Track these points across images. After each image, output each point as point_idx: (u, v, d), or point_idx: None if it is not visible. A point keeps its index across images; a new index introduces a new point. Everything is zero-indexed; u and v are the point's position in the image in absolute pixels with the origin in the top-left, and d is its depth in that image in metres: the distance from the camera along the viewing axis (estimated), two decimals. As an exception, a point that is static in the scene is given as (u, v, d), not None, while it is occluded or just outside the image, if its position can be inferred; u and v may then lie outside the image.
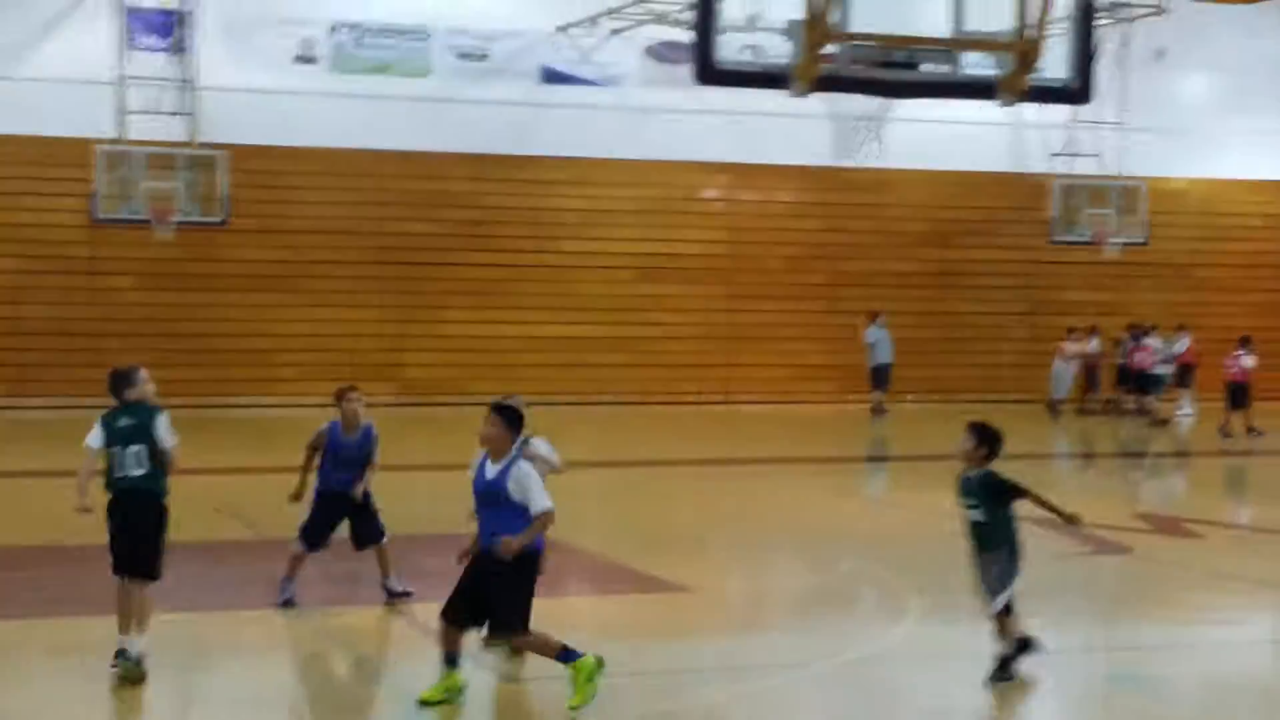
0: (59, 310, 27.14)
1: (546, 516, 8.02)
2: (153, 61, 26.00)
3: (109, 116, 25.86)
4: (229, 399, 27.53)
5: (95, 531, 9.01)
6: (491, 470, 8.09)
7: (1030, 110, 29.23)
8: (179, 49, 25.92)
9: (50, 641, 9.85)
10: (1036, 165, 30.95)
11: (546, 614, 9.56)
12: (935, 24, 8.57)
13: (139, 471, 8.79)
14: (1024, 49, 8.31)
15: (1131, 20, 28.76)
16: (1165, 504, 18.86)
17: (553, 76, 29.55)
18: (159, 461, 8.83)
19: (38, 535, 13.48)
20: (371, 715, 8.74)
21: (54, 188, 26.68)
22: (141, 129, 25.79)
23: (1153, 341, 28.49)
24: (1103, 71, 25.02)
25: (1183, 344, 28.62)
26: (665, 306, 29.98)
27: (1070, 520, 8.89)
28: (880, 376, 28.58)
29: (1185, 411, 28.54)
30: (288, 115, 27.77)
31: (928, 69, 8.66)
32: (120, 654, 8.63)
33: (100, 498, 8.84)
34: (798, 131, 29.19)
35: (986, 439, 8.75)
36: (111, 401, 9.08)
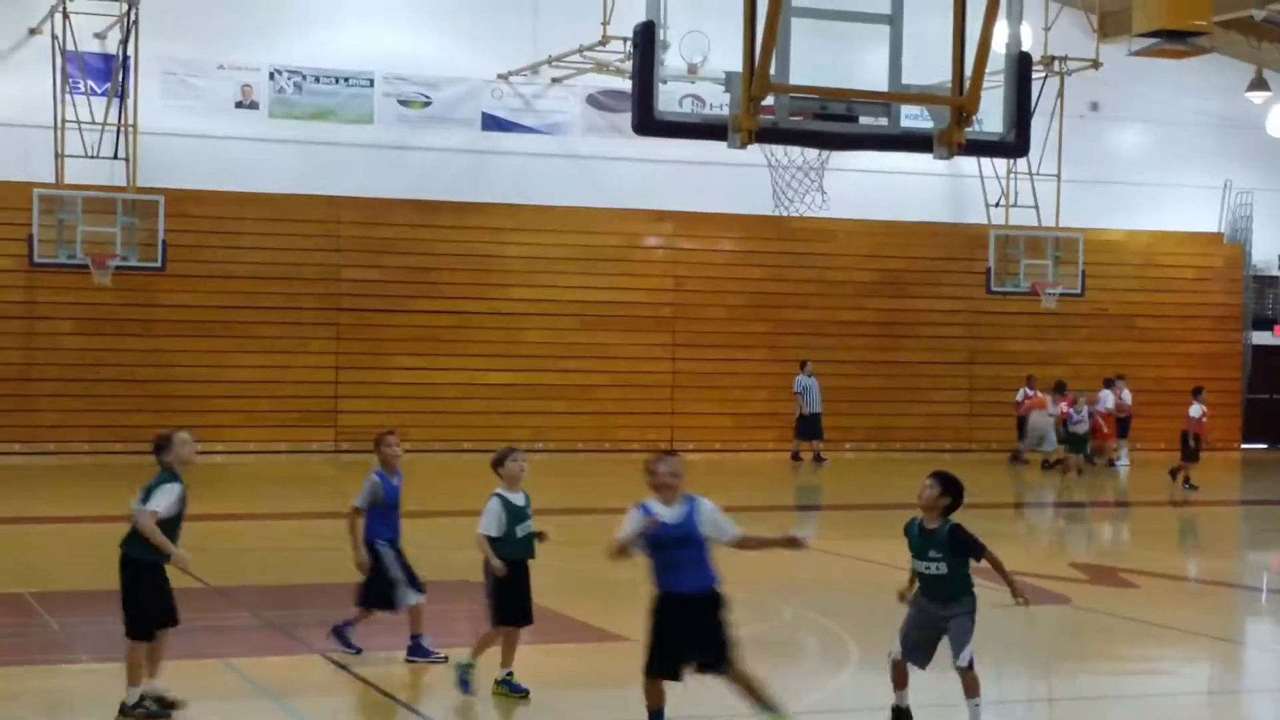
0: (-6, 355, 26.84)
1: (746, 536, 8.34)
2: (91, 105, 25.84)
3: (47, 160, 25.66)
4: (166, 445, 27.25)
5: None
6: (671, 514, 8.16)
7: (969, 162, 29.64)
8: (118, 93, 25.79)
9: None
10: (975, 216, 31.28)
11: (494, 664, 9.49)
12: (874, 77, 8.64)
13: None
14: (961, 103, 8.39)
15: (1067, 74, 29.18)
16: (1101, 554, 18.98)
17: (495, 124, 29.63)
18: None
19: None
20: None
21: (-10, 231, 26.46)
22: (80, 173, 25.61)
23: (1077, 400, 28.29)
24: (1039, 124, 25.47)
25: (1105, 401, 28.60)
26: (608, 354, 30.01)
27: (1017, 598, 8.70)
28: (809, 426, 28.71)
29: (1122, 462, 28.80)
30: (228, 160, 27.69)
31: (867, 122, 8.72)
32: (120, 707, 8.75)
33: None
34: (740, 180, 29.41)
35: (950, 489, 8.54)
36: None
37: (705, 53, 8.36)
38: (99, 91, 26.41)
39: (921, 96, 8.70)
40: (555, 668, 10.42)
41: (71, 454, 26.73)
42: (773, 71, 8.11)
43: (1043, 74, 27.73)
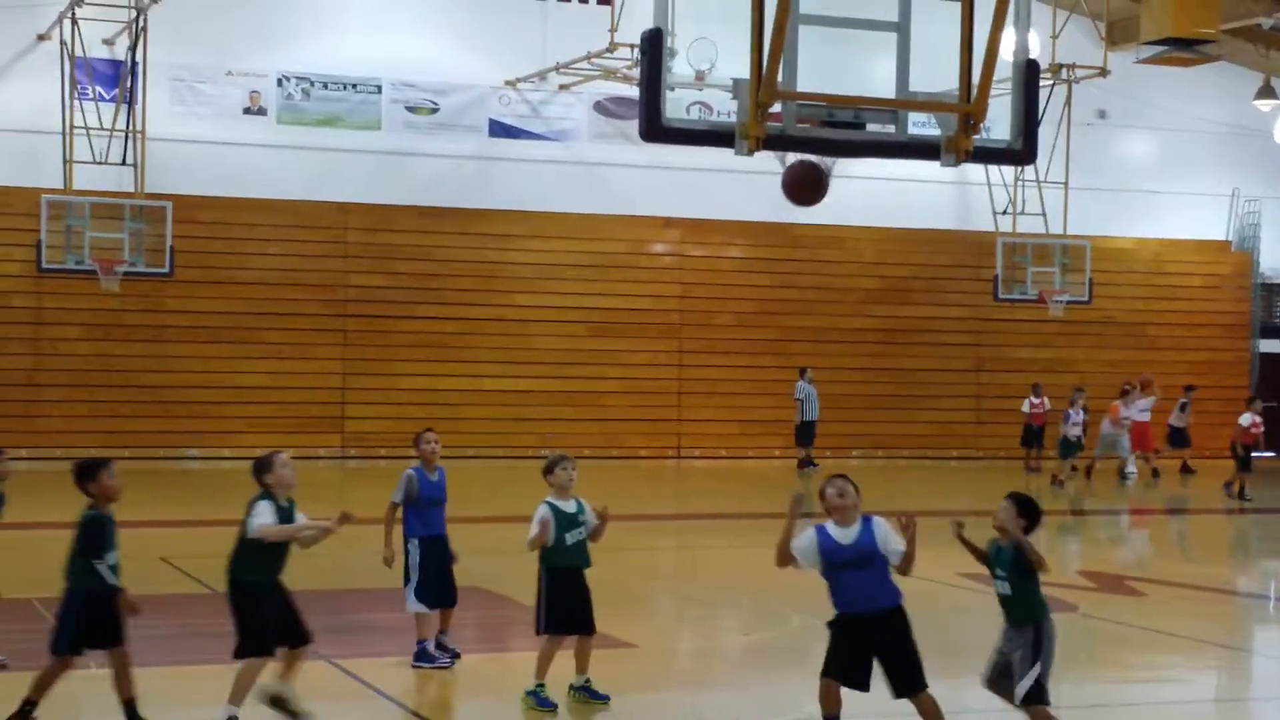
0: (2, 361, 26.89)
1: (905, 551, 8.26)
2: (100, 112, 25.90)
3: (55, 166, 25.71)
4: (175, 451, 27.32)
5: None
6: (847, 535, 8.21)
7: (976, 169, 29.65)
8: (126, 99, 25.84)
9: None
10: (982, 223, 31.28)
11: (495, 671, 9.49)
12: (881, 84, 8.63)
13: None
14: (968, 110, 8.38)
15: (1075, 82, 29.17)
16: (1108, 562, 18.96)
17: (502, 130, 29.67)
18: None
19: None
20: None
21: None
22: (88, 179, 25.66)
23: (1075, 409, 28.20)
24: (1046, 132, 25.47)
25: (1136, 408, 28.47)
26: (615, 361, 30.02)
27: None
28: (805, 433, 28.66)
29: (1130, 470, 28.74)
30: (236, 166, 27.75)
31: (874, 129, 8.71)
32: None
33: None
34: (747, 187, 29.42)
35: (1027, 511, 8.53)
36: None
37: (713, 60, 8.36)
38: (107, 98, 26.47)
39: (929, 104, 8.69)
40: (566, 675, 10.42)
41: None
42: (780, 79, 8.10)
43: (1050, 81, 27.73)
